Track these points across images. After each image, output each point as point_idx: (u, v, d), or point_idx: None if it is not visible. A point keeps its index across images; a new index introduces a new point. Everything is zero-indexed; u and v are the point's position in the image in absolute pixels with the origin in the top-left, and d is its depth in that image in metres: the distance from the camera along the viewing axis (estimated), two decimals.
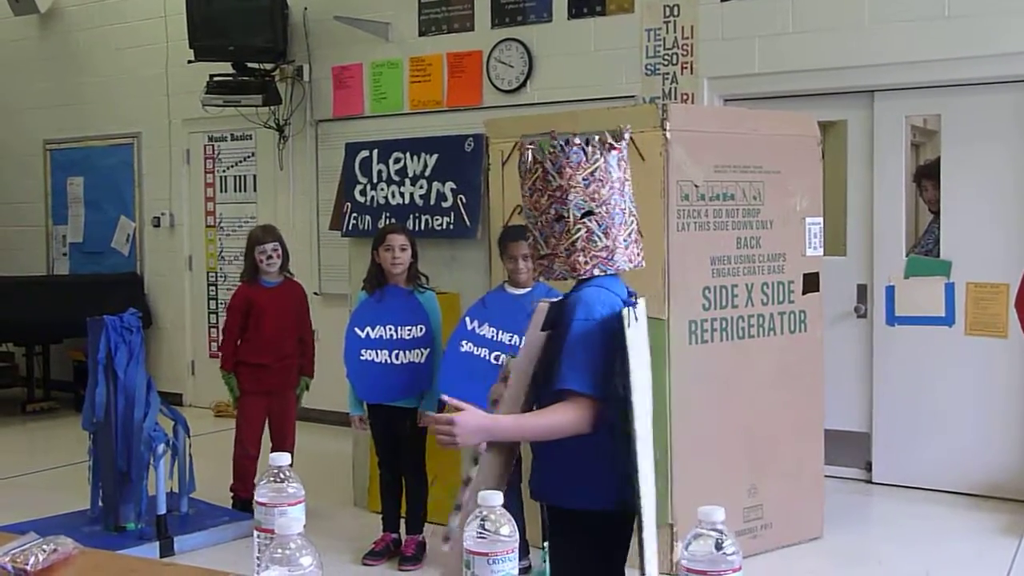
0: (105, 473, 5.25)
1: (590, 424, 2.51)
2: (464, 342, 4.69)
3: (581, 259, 2.59)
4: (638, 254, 2.67)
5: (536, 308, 2.63)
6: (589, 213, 2.58)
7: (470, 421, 2.47)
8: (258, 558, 1.72)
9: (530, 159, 2.63)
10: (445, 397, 2.68)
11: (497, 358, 4.59)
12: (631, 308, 2.51)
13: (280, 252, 5.65)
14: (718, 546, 1.47)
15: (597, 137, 2.63)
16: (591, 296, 2.59)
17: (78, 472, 5.71)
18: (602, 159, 2.60)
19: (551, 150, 2.60)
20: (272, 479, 1.81)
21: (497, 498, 1.60)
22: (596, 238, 2.59)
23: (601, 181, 2.59)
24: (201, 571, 2.08)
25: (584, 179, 2.58)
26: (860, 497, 6.04)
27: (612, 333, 2.52)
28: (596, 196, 2.59)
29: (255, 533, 1.81)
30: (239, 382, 5.65)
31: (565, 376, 2.51)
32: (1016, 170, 5.77)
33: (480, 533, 1.57)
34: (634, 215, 2.65)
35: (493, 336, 4.63)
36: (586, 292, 2.60)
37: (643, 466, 2.44)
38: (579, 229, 2.58)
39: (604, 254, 2.60)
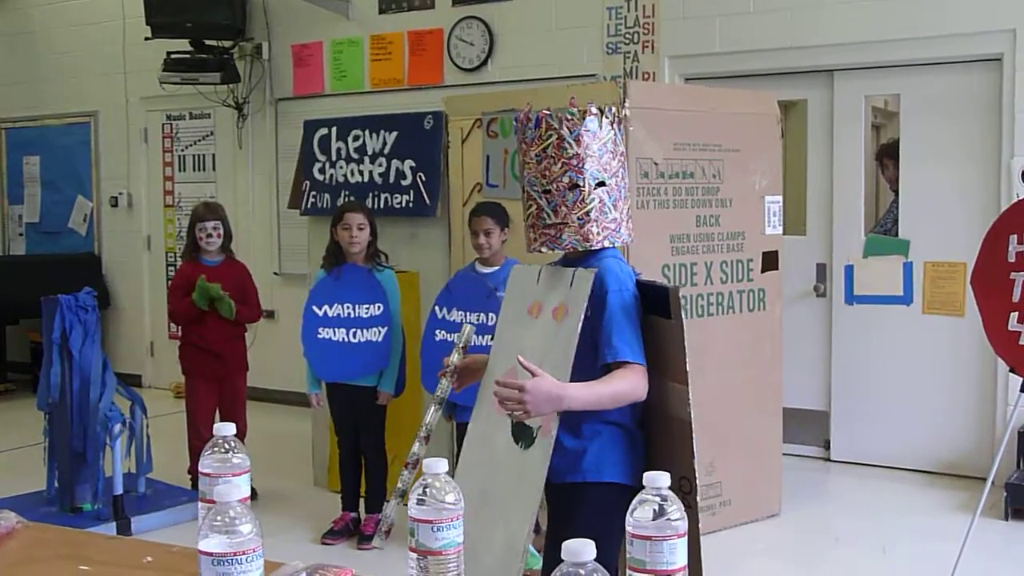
0: (61, 454, 5.19)
1: (646, 391, 2.54)
2: (438, 331, 4.69)
3: (595, 230, 2.59)
4: (633, 228, 2.70)
5: (582, 276, 2.58)
6: (602, 184, 2.59)
7: (542, 387, 2.43)
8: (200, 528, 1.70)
9: (543, 125, 2.61)
10: (520, 359, 2.53)
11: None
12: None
13: (221, 231, 5.55)
14: (663, 511, 1.46)
15: (613, 109, 2.64)
16: (616, 266, 2.60)
17: (34, 454, 5.64)
18: (612, 131, 2.62)
19: (568, 117, 2.59)
20: (217, 450, 1.79)
21: (441, 465, 1.58)
22: (607, 209, 2.60)
23: (612, 153, 2.62)
24: (147, 544, 2.06)
25: (599, 149, 2.59)
26: (818, 475, 6.09)
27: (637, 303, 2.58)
28: (608, 167, 2.60)
29: (199, 505, 1.78)
30: (190, 364, 5.60)
31: (619, 348, 2.51)
32: (973, 149, 5.81)
33: (423, 501, 1.55)
34: (629, 191, 2.66)
35: (462, 320, 4.61)
36: (609, 262, 2.61)
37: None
38: (593, 199, 2.59)
39: (613, 226, 2.61)
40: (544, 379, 2.44)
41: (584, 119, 2.59)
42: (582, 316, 2.54)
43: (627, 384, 2.50)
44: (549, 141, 2.60)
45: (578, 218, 2.59)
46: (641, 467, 2.58)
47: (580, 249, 2.62)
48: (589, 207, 2.59)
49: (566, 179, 2.58)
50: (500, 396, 2.47)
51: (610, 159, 2.61)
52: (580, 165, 2.58)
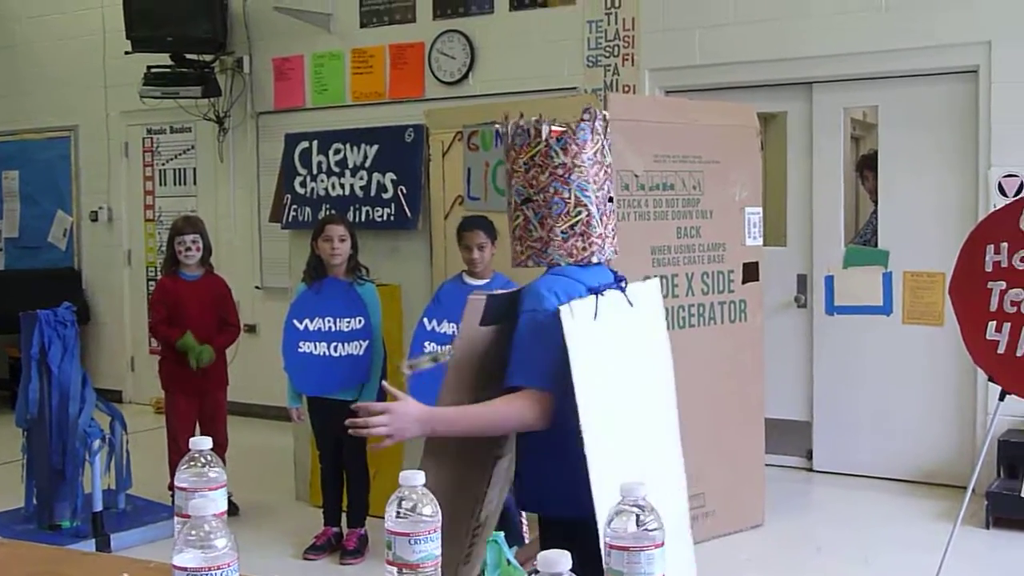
0: (39, 470, 5.16)
1: (544, 419, 2.36)
2: (427, 343, 4.67)
3: (518, 248, 2.50)
4: (584, 248, 2.47)
5: (469, 301, 2.48)
6: (528, 200, 2.47)
7: (408, 411, 2.33)
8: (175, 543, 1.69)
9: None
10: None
11: None
12: (599, 296, 2.38)
13: (200, 244, 5.52)
14: (641, 522, 1.46)
15: (534, 119, 2.49)
16: (544, 285, 2.44)
17: (13, 471, 5.59)
18: (543, 143, 2.45)
19: (504, 132, 2.54)
20: (193, 464, 1.77)
21: (419, 478, 1.57)
22: (532, 227, 2.47)
23: (540, 167, 2.45)
24: (124, 560, 2.04)
25: (525, 163, 2.47)
26: (801, 485, 6.10)
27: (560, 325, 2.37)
28: (534, 182, 2.45)
29: (175, 519, 1.77)
30: (169, 379, 5.57)
31: (512, 371, 2.37)
32: (951, 160, 5.85)
33: (400, 513, 1.54)
34: (584, 205, 2.46)
35: (454, 332, 4.59)
36: (540, 282, 2.46)
37: (599, 469, 2.22)
38: (518, 216, 2.49)
39: (538, 245, 2.47)
40: (408, 403, 2.35)
41: (512, 133, 2.50)
42: (461, 341, 2.49)
43: (509, 409, 2.36)
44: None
45: (510, 236, 2.53)
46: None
47: (516, 266, 2.56)
48: (515, 224, 2.51)
49: (507, 196, 2.56)
50: (359, 424, 2.34)
51: (537, 174, 2.45)
52: (508, 180, 2.53)
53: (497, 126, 2.61)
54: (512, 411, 2.36)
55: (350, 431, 2.38)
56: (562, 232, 2.45)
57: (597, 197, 2.48)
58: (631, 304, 2.50)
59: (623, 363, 2.48)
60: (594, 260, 2.50)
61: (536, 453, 2.49)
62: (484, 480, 2.59)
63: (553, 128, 2.46)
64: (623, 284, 2.53)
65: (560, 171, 2.44)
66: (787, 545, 5.13)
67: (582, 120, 2.48)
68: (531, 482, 2.55)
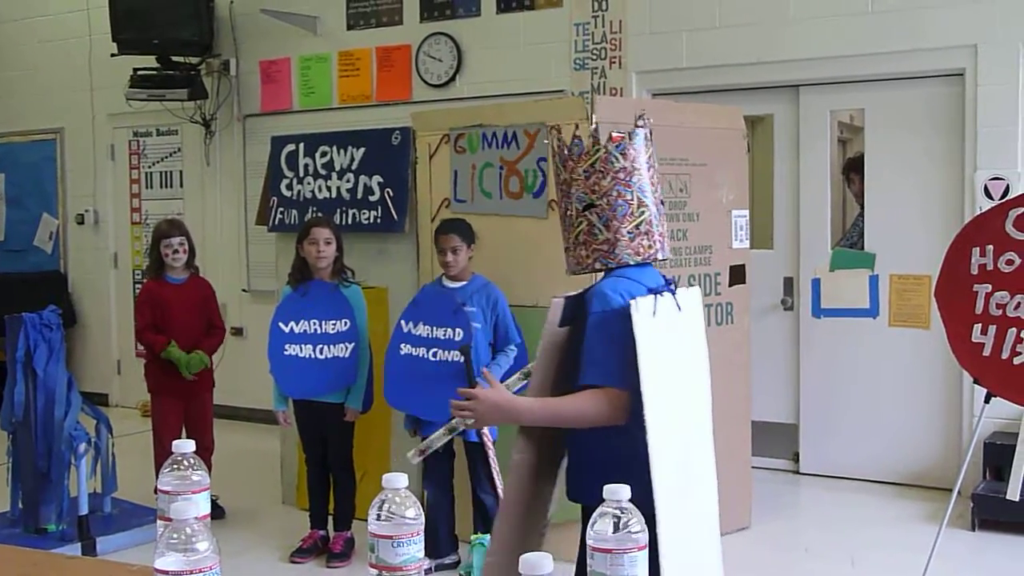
0: (25, 474, 5.14)
1: (621, 414, 2.46)
2: (403, 345, 4.66)
3: (583, 253, 2.60)
4: (650, 246, 2.59)
5: (552, 303, 2.60)
6: (591, 206, 2.57)
7: (490, 397, 2.49)
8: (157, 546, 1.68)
9: (549, 153, 2.68)
10: (484, 370, 2.68)
11: (435, 355, 4.55)
12: (658, 296, 2.48)
13: (186, 247, 5.50)
14: (623, 524, 1.46)
15: (593, 127, 2.62)
16: (608, 287, 2.54)
17: None
18: (603, 149, 2.57)
19: (556, 144, 2.64)
20: (176, 467, 1.77)
21: (401, 480, 1.57)
22: (597, 231, 2.57)
23: (602, 172, 2.56)
24: (107, 563, 2.03)
25: (585, 171, 2.58)
26: (788, 487, 6.11)
27: (628, 322, 2.48)
28: (597, 188, 2.56)
29: (158, 522, 1.77)
30: (156, 382, 5.55)
31: (585, 371, 2.48)
32: (937, 163, 5.87)
33: (383, 516, 1.54)
34: (646, 206, 2.59)
35: (428, 334, 4.60)
36: (604, 283, 2.57)
37: (661, 465, 2.33)
38: (581, 223, 2.59)
39: (605, 247, 2.57)
40: (496, 391, 2.51)
41: (569, 143, 2.60)
42: (544, 341, 2.59)
43: (585, 405, 2.46)
44: (555, 168, 2.70)
45: (572, 242, 2.62)
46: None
47: (576, 273, 2.66)
48: (577, 231, 2.60)
49: (563, 205, 2.65)
50: (454, 404, 2.54)
51: (599, 179, 2.56)
52: (567, 190, 2.62)
53: (546, 141, 2.69)
54: (589, 406, 2.46)
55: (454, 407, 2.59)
56: (628, 232, 2.56)
57: (654, 198, 2.61)
58: (679, 308, 2.60)
59: (676, 363, 2.61)
60: (659, 257, 2.62)
61: (584, 444, 2.60)
62: (552, 481, 2.71)
63: (614, 135, 2.57)
64: (673, 287, 2.63)
65: (622, 175, 2.56)
66: (774, 547, 5.14)
67: (637, 126, 2.60)
68: (576, 472, 2.65)
